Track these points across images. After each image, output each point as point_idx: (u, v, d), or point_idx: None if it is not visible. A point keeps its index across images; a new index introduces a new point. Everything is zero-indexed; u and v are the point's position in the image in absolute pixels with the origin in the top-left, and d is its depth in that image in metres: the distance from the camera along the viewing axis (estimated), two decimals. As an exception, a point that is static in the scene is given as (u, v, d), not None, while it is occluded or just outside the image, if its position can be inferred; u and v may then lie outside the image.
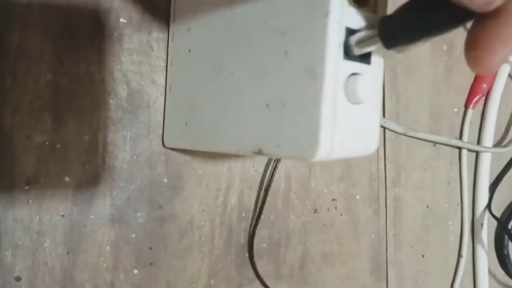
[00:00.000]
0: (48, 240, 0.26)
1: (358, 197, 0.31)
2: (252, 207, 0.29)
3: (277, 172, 0.29)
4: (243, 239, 0.29)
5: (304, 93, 0.18)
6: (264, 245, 0.29)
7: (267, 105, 0.20)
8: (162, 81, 0.28)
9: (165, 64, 0.28)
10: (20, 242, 0.26)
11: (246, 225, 0.29)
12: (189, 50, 0.26)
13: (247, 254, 0.29)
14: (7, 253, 0.26)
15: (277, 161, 0.29)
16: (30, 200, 0.26)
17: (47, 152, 0.26)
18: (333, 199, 0.31)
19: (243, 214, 0.29)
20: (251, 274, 0.29)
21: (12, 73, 0.25)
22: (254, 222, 0.29)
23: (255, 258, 0.29)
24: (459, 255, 0.34)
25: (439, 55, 0.33)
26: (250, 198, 0.29)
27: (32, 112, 0.25)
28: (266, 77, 0.20)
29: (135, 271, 0.27)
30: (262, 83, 0.20)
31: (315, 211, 0.30)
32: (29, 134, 0.26)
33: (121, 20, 0.27)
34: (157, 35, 0.28)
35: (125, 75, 0.27)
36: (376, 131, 0.20)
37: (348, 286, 0.31)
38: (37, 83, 0.25)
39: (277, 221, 0.30)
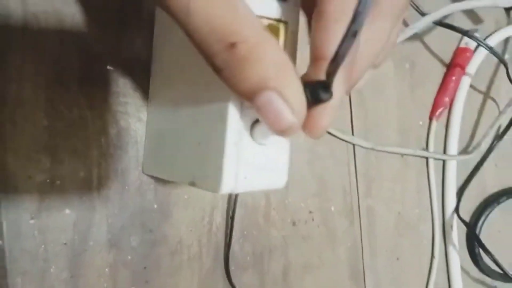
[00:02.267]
0: (53, 267, 0.29)
1: (333, 209, 0.34)
2: (235, 225, 0.32)
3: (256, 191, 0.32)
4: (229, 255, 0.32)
5: (214, 135, 0.22)
6: (248, 258, 0.32)
7: (198, 144, 0.23)
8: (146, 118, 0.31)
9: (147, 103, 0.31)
10: (28, 269, 0.29)
11: (232, 242, 0.32)
12: (158, 94, 0.29)
13: (232, 268, 0.32)
14: (17, 279, 0.28)
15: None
16: (36, 232, 0.29)
17: (48, 189, 0.29)
18: (310, 212, 0.33)
19: (228, 232, 0.32)
20: (239, 286, 0.32)
21: (12, 121, 0.28)
22: (227, 244, 0.32)
23: (240, 271, 0.32)
24: (432, 256, 0.36)
25: (402, 73, 0.36)
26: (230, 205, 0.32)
27: (31, 155, 0.28)
28: (196, 121, 0.24)
29: (132, 289, 0.30)
30: (194, 127, 0.24)
31: (294, 224, 0.33)
32: (30, 174, 0.28)
33: (108, 67, 0.30)
34: (140, 79, 0.30)
35: (114, 116, 0.30)
36: (285, 167, 0.23)
37: (329, 291, 0.34)
38: (35, 128, 0.28)
39: (260, 236, 0.32)
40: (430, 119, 0.36)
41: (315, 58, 0.18)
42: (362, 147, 0.34)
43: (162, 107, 0.29)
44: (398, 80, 0.36)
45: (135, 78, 0.30)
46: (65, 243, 0.29)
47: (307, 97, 0.16)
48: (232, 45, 0.15)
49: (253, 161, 0.22)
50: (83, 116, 0.30)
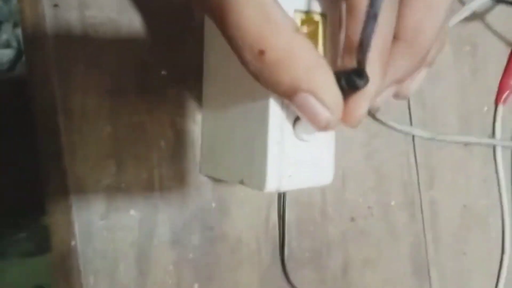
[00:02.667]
0: (122, 265, 0.31)
1: (393, 203, 0.33)
2: (292, 223, 0.32)
3: (312, 188, 0.31)
4: (286, 251, 0.32)
5: (257, 134, 0.22)
6: (306, 254, 0.32)
7: (245, 143, 0.24)
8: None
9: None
10: (100, 268, 0.31)
11: (288, 238, 0.32)
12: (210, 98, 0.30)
13: (292, 265, 0.32)
14: (90, 277, 0.31)
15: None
16: (105, 232, 0.31)
17: (114, 191, 0.30)
18: (369, 207, 0.33)
19: (281, 229, 0.32)
20: (298, 282, 0.32)
21: (79, 131, 0.30)
22: (281, 241, 0.32)
23: (299, 267, 0.32)
24: (503, 251, 0.34)
25: (462, 57, 0.34)
26: (289, 214, 0.32)
27: (98, 161, 0.30)
28: (242, 122, 0.24)
29: (196, 286, 0.31)
30: (241, 127, 0.24)
31: (353, 219, 0.32)
32: (98, 178, 0.30)
33: (162, 72, 0.31)
34: (193, 82, 0.31)
35: (171, 119, 0.31)
36: (330, 163, 0.23)
37: (391, 287, 0.33)
38: (100, 136, 0.30)
39: (316, 232, 0.32)
40: (496, 104, 0.34)
41: (347, 47, 0.18)
42: (421, 137, 0.33)
43: (214, 109, 0.30)
44: (458, 64, 0.34)
45: (189, 82, 0.31)
46: (132, 242, 0.31)
47: (343, 86, 0.17)
48: (261, 53, 0.16)
49: (298, 159, 0.22)
50: (143, 121, 0.31)
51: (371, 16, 0.15)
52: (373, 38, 0.15)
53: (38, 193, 0.50)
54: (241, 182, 0.24)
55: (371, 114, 0.32)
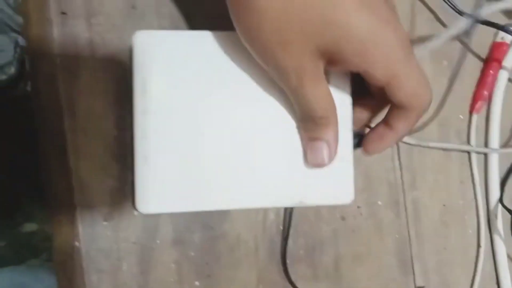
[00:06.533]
0: (125, 264, 0.31)
1: (380, 203, 0.35)
2: (287, 221, 0.33)
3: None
4: (283, 249, 0.33)
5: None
6: (301, 251, 0.33)
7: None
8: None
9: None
10: (103, 268, 0.31)
11: (284, 236, 0.33)
12: None
13: (287, 261, 0.33)
14: (94, 277, 0.31)
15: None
16: (109, 233, 0.31)
17: (118, 192, 0.31)
18: (358, 207, 0.34)
19: (280, 227, 0.33)
20: (294, 277, 0.33)
21: (84, 132, 0.30)
22: (284, 236, 0.33)
23: (294, 264, 0.33)
24: (478, 245, 0.36)
25: (441, 71, 0.36)
26: (286, 213, 0.33)
27: (103, 162, 0.31)
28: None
29: (196, 283, 0.32)
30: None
31: (343, 218, 0.34)
32: (103, 179, 0.31)
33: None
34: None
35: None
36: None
37: (379, 281, 0.35)
38: (106, 138, 0.31)
39: (311, 231, 0.33)
40: (470, 112, 0.36)
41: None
42: (407, 143, 0.35)
43: None
44: (437, 77, 0.36)
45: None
46: (134, 242, 0.31)
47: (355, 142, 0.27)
48: (318, 118, 0.25)
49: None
50: (146, 125, 0.32)
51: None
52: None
53: (22, 198, 0.49)
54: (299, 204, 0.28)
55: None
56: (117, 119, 0.30)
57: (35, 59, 0.30)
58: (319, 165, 0.26)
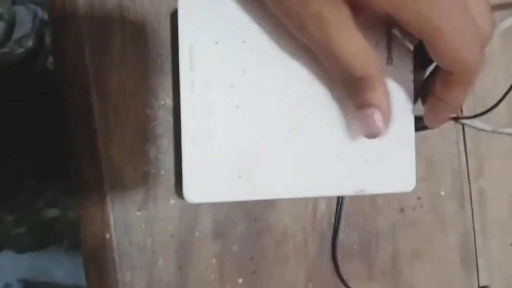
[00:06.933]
0: (161, 259, 0.28)
1: (442, 193, 0.31)
2: (338, 212, 0.30)
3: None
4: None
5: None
6: (355, 247, 0.30)
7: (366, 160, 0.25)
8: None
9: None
10: (137, 263, 0.28)
11: (334, 229, 0.30)
12: None
13: (339, 257, 0.30)
14: (127, 273, 0.27)
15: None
16: (142, 224, 0.27)
17: (153, 179, 0.27)
18: (418, 198, 0.30)
19: (333, 220, 0.30)
20: (346, 275, 0.30)
21: (115, 111, 0.27)
22: (334, 229, 0.29)
23: (347, 260, 0.30)
24: (551, 242, 0.32)
25: (511, 43, 0.32)
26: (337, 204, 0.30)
27: (135, 145, 0.27)
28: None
29: (240, 280, 0.29)
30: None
31: (402, 210, 0.30)
32: (135, 165, 0.27)
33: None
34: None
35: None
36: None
37: (440, 279, 0.31)
38: (138, 118, 0.27)
39: (366, 224, 0.30)
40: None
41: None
42: (473, 127, 0.31)
43: None
44: (507, 51, 0.32)
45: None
46: (172, 235, 0.28)
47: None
48: (358, 79, 0.20)
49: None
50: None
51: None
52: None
53: (43, 182, 0.46)
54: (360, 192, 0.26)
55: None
56: (150, 96, 0.26)
57: (59, 29, 0.27)
58: (374, 135, 0.22)
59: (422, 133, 0.30)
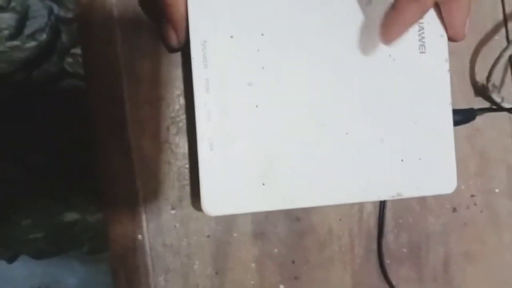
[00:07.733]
0: (197, 262, 0.25)
1: (497, 190, 0.28)
2: (388, 213, 0.27)
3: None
4: (383, 246, 0.27)
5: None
6: (404, 250, 0.27)
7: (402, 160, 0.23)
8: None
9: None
10: (171, 267, 0.25)
11: (384, 231, 0.27)
12: None
13: (387, 261, 0.27)
14: (160, 278, 0.25)
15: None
16: (177, 224, 0.25)
17: (188, 175, 0.25)
18: (472, 195, 0.28)
19: (380, 221, 0.27)
20: (395, 280, 0.27)
21: (149, 102, 0.25)
22: (379, 232, 0.27)
23: (396, 264, 0.27)
24: None
25: None
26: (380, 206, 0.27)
27: (169, 138, 0.25)
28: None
29: (281, 287, 0.26)
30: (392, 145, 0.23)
31: (454, 210, 0.28)
32: (169, 160, 0.25)
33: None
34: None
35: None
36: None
37: (494, 283, 0.28)
38: (171, 109, 0.25)
39: (416, 224, 0.27)
40: None
41: None
42: (527, 117, 0.28)
43: None
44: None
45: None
46: (208, 236, 0.25)
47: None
48: None
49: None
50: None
51: None
52: None
53: (62, 184, 0.44)
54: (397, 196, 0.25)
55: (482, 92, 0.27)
56: (183, 86, 0.24)
57: (88, 15, 0.25)
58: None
59: (474, 125, 0.27)
